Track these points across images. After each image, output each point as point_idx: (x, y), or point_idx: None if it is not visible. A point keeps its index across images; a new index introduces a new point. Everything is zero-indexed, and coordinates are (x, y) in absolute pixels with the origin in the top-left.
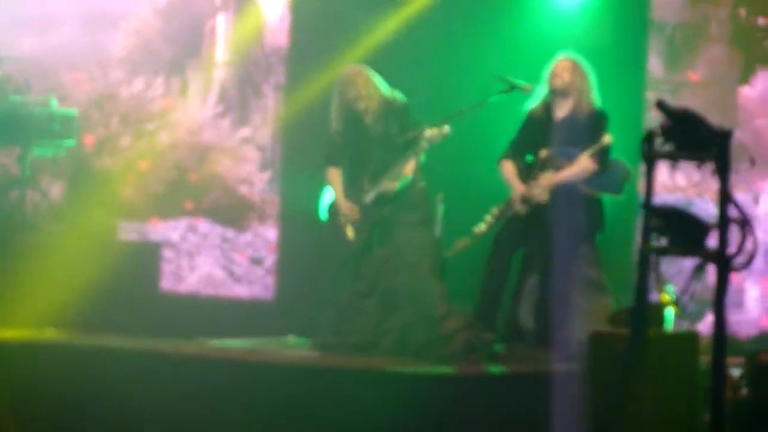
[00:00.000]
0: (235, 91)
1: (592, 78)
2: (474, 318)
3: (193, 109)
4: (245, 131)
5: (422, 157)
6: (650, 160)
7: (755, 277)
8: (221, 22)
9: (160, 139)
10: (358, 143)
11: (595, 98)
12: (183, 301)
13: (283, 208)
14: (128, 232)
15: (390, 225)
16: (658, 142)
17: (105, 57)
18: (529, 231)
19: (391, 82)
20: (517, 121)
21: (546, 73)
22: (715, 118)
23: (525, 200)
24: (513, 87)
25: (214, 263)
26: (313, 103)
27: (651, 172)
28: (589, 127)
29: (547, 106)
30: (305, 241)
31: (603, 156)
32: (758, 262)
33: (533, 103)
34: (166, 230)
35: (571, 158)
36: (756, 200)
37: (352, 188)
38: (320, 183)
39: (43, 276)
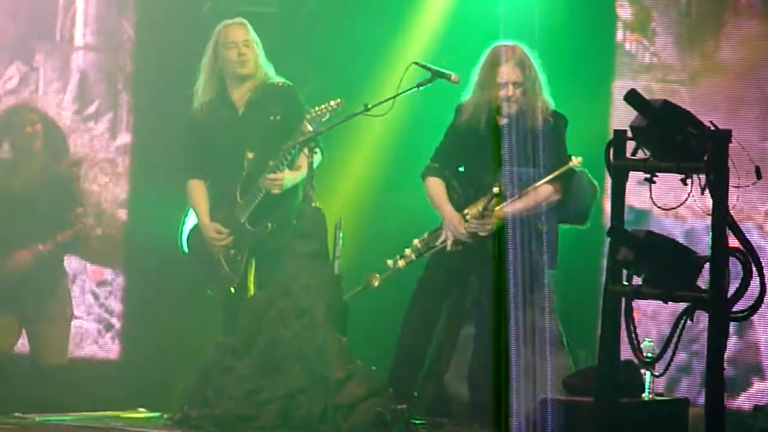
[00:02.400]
0: (102, 85)
1: (540, 68)
2: (386, 382)
3: (53, 109)
4: (124, 137)
5: (316, 159)
6: (619, 171)
7: None
8: None
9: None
10: (226, 140)
11: (549, 98)
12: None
13: (129, 241)
14: None
15: (274, 256)
16: (630, 147)
17: None
18: (464, 268)
19: (280, 70)
20: (442, 122)
21: (480, 70)
22: (748, 117)
23: (461, 235)
24: (435, 76)
25: (86, 314)
26: (170, 99)
27: (620, 187)
28: (546, 138)
29: (479, 111)
30: (160, 285)
31: (567, 183)
32: None
33: (465, 97)
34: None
35: (524, 183)
36: None
37: (220, 205)
38: (180, 204)
39: None
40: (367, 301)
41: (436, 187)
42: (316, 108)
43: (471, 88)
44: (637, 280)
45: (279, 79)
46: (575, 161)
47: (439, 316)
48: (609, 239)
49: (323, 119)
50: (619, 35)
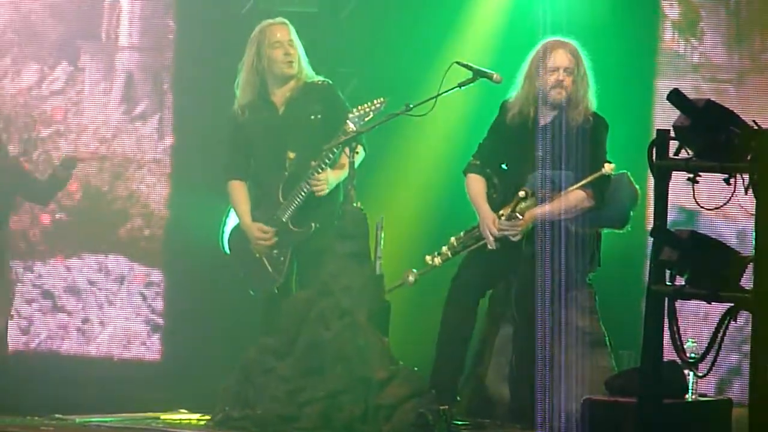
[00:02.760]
0: (148, 85)
1: (589, 68)
2: (427, 383)
3: (99, 109)
4: (171, 138)
5: (357, 159)
6: (661, 170)
7: None
8: None
9: (58, 149)
10: (267, 141)
11: (593, 99)
12: (53, 364)
13: (168, 242)
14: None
15: (316, 256)
16: (672, 146)
17: None
18: (500, 268)
19: (320, 70)
20: (483, 122)
21: (530, 62)
22: None
23: (495, 236)
24: (477, 76)
25: (134, 315)
26: (210, 99)
27: (662, 187)
28: (584, 142)
29: (528, 103)
30: (200, 285)
31: (602, 189)
32: None
33: (511, 94)
34: (68, 272)
35: (559, 186)
36: None
37: (262, 206)
38: (221, 205)
39: None
40: (410, 302)
41: (475, 184)
42: (360, 107)
43: (519, 83)
44: (680, 281)
45: (319, 78)
46: (608, 168)
47: (474, 315)
48: (652, 239)
49: (366, 119)
50: (667, 34)
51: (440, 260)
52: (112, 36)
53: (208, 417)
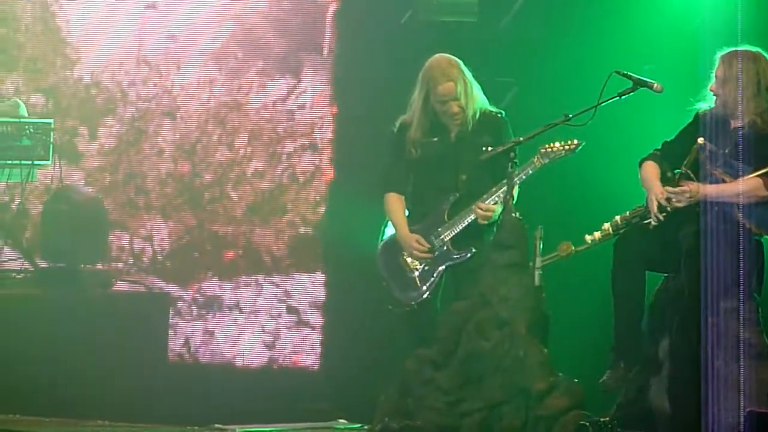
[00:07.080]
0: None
1: None
2: (586, 395)
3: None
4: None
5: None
6: None
7: None
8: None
9: (302, 164)
10: (438, 161)
11: None
12: (214, 374)
13: (326, 252)
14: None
15: (472, 268)
16: None
17: (196, 51)
18: (661, 249)
19: (478, 78)
20: (642, 132)
21: (714, 74)
22: None
23: (662, 206)
24: (637, 85)
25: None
26: (374, 109)
27: None
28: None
29: (719, 113)
30: (358, 294)
31: None
32: None
33: (705, 105)
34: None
35: (736, 175)
36: None
37: (424, 221)
38: (377, 216)
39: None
40: (569, 313)
41: (650, 167)
42: (552, 146)
43: (710, 95)
44: None
45: (492, 109)
46: None
47: (644, 288)
48: None
49: (559, 156)
50: None
51: (600, 235)
52: (334, 49)
53: (367, 427)
